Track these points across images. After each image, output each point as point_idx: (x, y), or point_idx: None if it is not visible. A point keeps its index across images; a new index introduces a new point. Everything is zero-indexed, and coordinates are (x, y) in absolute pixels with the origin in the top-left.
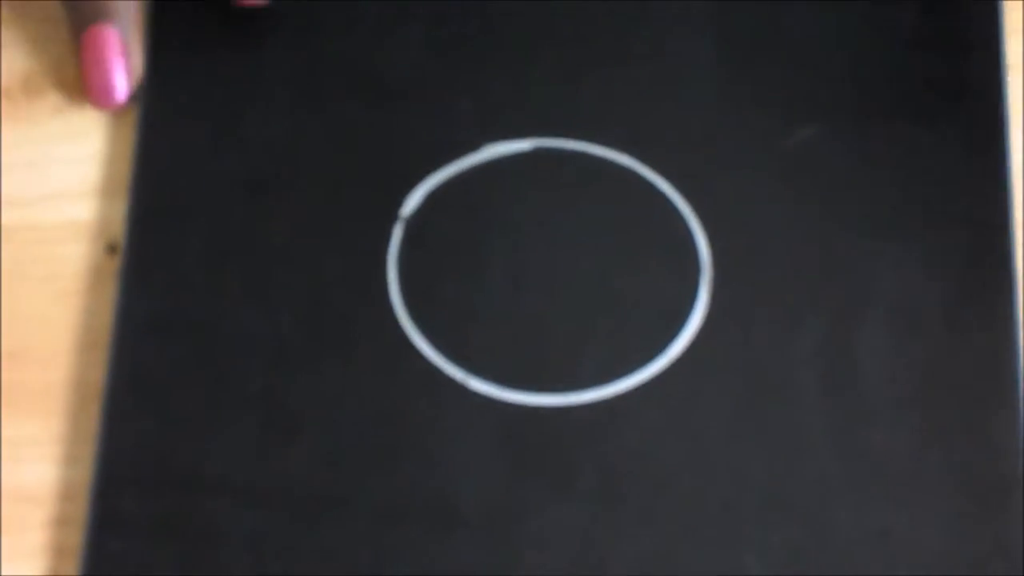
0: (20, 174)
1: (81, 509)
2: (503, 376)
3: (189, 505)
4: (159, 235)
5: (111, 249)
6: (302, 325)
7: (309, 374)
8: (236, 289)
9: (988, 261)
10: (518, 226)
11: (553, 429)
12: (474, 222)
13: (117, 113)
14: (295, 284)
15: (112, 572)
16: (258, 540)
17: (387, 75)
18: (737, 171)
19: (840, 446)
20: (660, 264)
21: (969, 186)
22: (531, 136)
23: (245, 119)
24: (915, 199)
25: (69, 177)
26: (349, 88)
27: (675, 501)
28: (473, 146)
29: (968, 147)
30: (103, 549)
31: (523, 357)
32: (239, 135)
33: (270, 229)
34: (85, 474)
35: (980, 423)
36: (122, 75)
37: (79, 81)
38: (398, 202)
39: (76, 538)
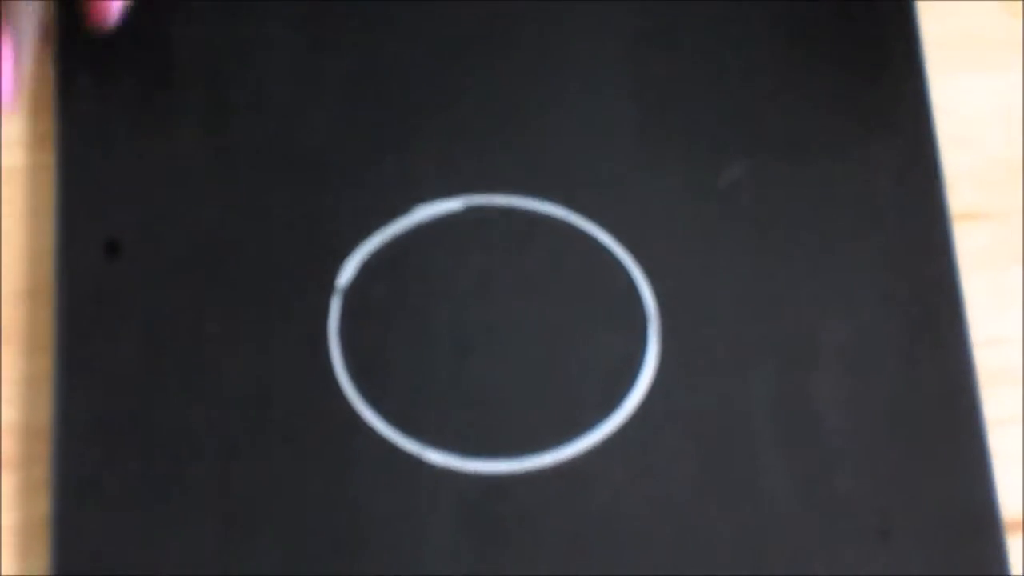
0: None
1: None
2: (459, 445)
3: None
4: (91, 335)
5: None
6: (248, 412)
7: (261, 463)
8: (176, 382)
9: (934, 291)
10: (458, 288)
11: (515, 495)
12: (413, 287)
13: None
14: (237, 370)
15: None
16: None
17: (307, 145)
18: (672, 216)
19: (804, 492)
20: (606, 316)
21: (907, 211)
22: (461, 194)
23: (167, 205)
24: (854, 231)
25: None
26: (269, 164)
27: (643, 560)
28: (403, 209)
29: (900, 168)
30: None
31: (478, 424)
32: (164, 222)
33: (205, 316)
34: None
35: (945, 456)
36: (8, 81)
37: None
38: (333, 273)
39: None
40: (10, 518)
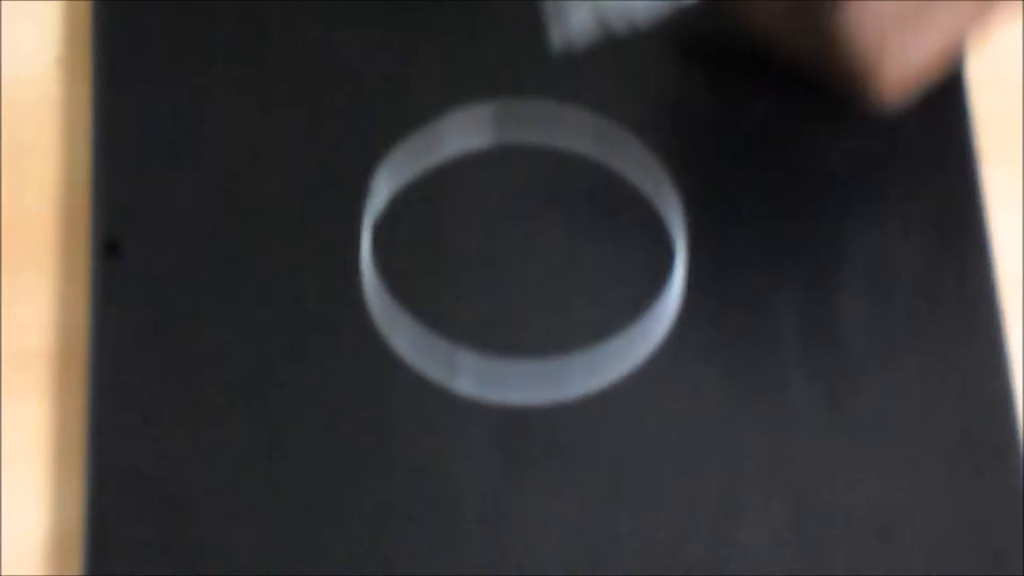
0: None
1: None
2: (487, 376)
3: (181, 522)
4: (125, 252)
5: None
6: (281, 337)
7: (292, 386)
8: (209, 305)
9: (958, 220)
10: (488, 222)
11: (543, 427)
12: (443, 221)
13: None
14: (270, 296)
15: None
16: (251, 551)
17: (334, 54)
18: (703, 144)
19: (830, 417)
20: (634, 249)
21: (934, 146)
22: (491, 97)
23: (200, 129)
24: (883, 162)
25: None
26: (300, 84)
27: (671, 487)
28: (433, 113)
29: (930, 103)
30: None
31: (505, 354)
32: (195, 147)
33: (239, 243)
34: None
35: (968, 378)
36: None
37: None
38: (363, 193)
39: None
40: (44, 439)
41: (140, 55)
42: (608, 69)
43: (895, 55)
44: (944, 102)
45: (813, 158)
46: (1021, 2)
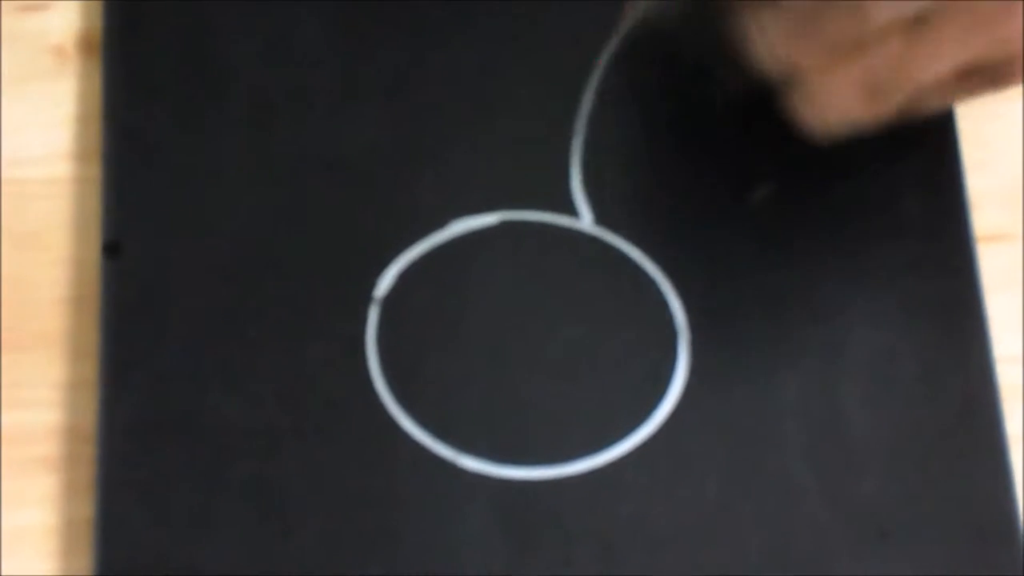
0: None
1: None
2: (493, 451)
3: None
4: (134, 336)
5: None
6: (288, 414)
7: (299, 463)
8: (217, 383)
9: (958, 305)
10: (492, 300)
11: (547, 501)
12: (449, 298)
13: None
14: (277, 374)
15: None
16: None
17: (347, 155)
18: (702, 230)
19: (832, 499)
20: (637, 328)
21: (932, 228)
22: (497, 208)
23: (210, 213)
24: (881, 247)
25: None
26: (310, 173)
27: (673, 566)
28: (440, 222)
29: (925, 187)
30: None
31: (511, 431)
32: (208, 230)
33: (247, 322)
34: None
35: (969, 467)
36: None
37: None
38: (371, 283)
39: None
40: (53, 519)
41: (149, 148)
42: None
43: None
44: (940, 183)
45: (813, 243)
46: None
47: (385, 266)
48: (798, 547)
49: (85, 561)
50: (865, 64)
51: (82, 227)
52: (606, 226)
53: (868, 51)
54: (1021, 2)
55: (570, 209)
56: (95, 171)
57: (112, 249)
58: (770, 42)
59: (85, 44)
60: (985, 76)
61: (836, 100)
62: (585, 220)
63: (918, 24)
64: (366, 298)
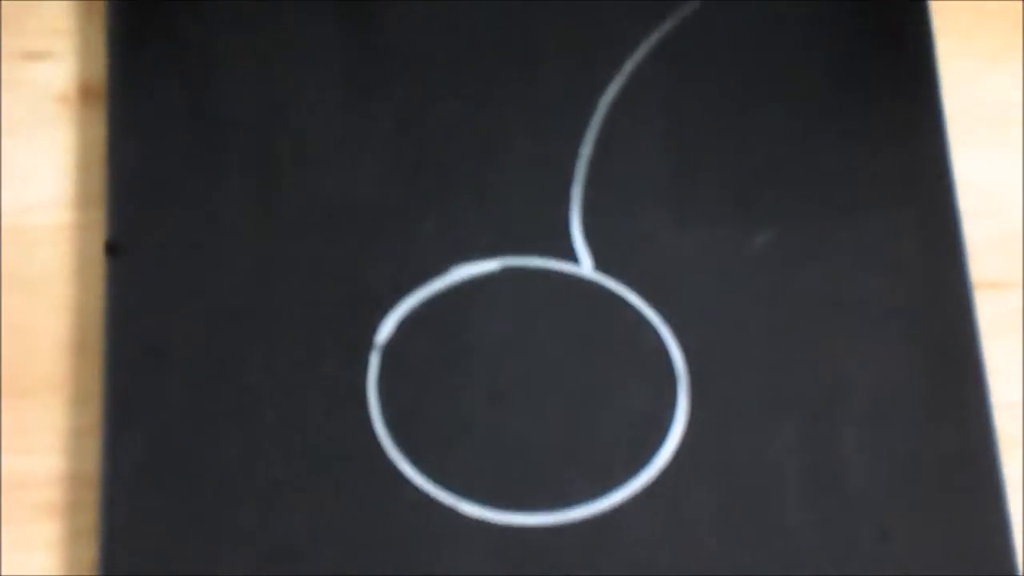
0: None
1: None
2: (493, 498)
3: None
4: (137, 383)
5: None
6: (290, 460)
7: (301, 509)
8: (220, 430)
9: (956, 353)
10: (493, 346)
11: (548, 548)
12: (450, 344)
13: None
14: (278, 420)
15: None
16: None
17: (348, 201)
18: (701, 276)
19: (831, 546)
20: (637, 373)
21: (929, 276)
22: (497, 254)
23: (209, 258)
24: (879, 294)
25: None
26: (311, 220)
27: None
28: (441, 268)
29: (923, 235)
30: None
31: (512, 478)
32: (209, 276)
33: (248, 369)
34: None
35: (969, 514)
36: None
37: None
38: (372, 330)
39: None
40: (57, 565)
41: (152, 195)
42: (603, 224)
43: None
44: (937, 229)
45: (812, 289)
46: None
47: (386, 312)
48: None
49: None
50: None
51: (84, 273)
52: (606, 272)
53: None
54: None
55: (570, 255)
56: (97, 218)
57: (119, 300)
58: None
59: (87, 92)
60: None
61: None
62: (585, 266)
63: None
64: (367, 344)
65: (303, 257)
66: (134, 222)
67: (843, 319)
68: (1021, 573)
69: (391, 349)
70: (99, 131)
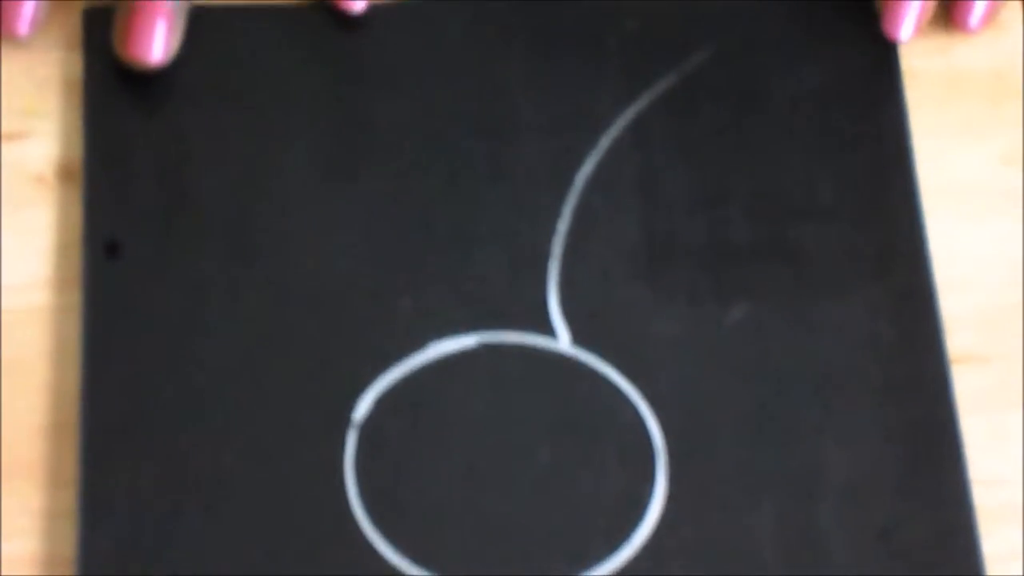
0: None
1: None
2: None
3: None
4: (112, 467)
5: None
6: (266, 540)
7: None
8: (194, 509)
9: (933, 429)
10: (471, 422)
11: None
12: (427, 421)
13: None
14: (254, 498)
15: None
16: None
17: (323, 277)
18: (680, 353)
19: None
20: (615, 450)
21: (906, 352)
22: (473, 330)
23: (184, 336)
24: (855, 370)
25: None
26: (286, 298)
27: None
28: (418, 344)
29: (898, 311)
30: None
31: (489, 557)
32: (185, 353)
33: (223, 445)
34: None
35: None
36: (162, 38)
37: None
38: (350, 407)
39: None
40: None
41: (128, 276)
42: (580, 300)
43: None
44: (913, 305)
45: (788, 365)
46: None
47: (363, 389)
48: None
49: None
50: None
51: (61, 355)
52: (584, 346)
53: None
54: None
55: (548, 329)
56: (74, 299)
57: (92, 381)
58: None
59: (65, 173)
60: None
61: None
62: (563, 340)
63: None
64: (344, 422)
65: (280, 335)
66: (111, 305)
67: (820, 395)
68: None
69: (368, 426)
70: (76, 211)
